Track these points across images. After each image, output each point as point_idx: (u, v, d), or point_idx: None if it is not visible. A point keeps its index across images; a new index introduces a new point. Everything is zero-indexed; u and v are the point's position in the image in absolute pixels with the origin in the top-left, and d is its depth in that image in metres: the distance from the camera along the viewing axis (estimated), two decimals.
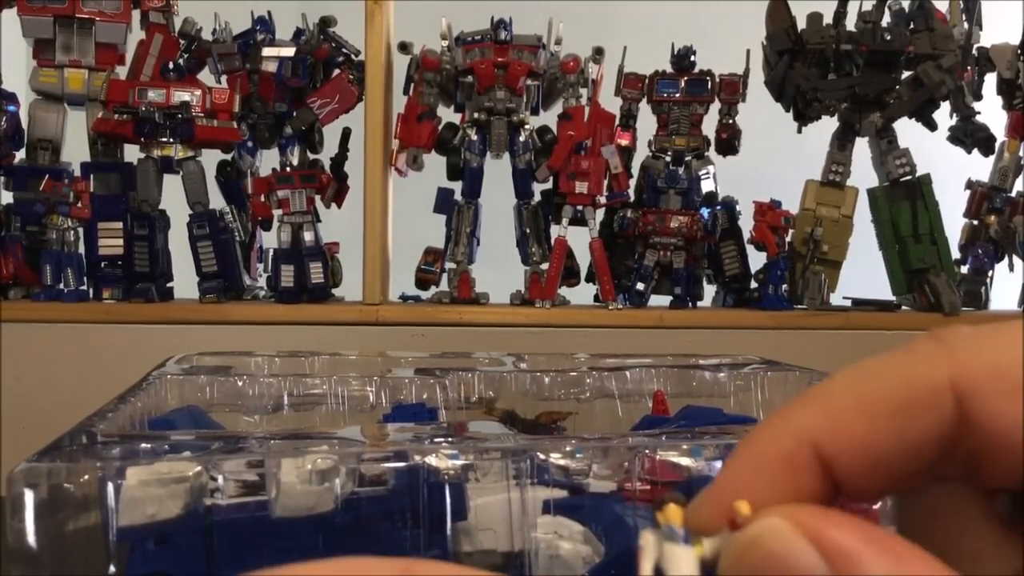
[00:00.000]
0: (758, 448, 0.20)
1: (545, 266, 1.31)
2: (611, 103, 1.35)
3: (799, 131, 1.37)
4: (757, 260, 1.37)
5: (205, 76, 1.33)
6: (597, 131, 1.31)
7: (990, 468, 0.20)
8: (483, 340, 1.22)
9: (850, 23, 1.33)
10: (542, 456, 0.45)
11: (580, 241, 1.32)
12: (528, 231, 1.32)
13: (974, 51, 1.37)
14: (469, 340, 1.22)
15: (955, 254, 1.39)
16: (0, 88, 1.27)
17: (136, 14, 1.30)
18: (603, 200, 1.31)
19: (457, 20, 1.31)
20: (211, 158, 1.34)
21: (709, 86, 1.35)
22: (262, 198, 1.32)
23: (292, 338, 1.21)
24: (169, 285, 1.33)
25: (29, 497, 0.39)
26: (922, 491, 0.21)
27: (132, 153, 1.31)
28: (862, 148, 1.37)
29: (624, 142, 1.35)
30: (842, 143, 1.36)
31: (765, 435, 0.21)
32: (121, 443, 0.46)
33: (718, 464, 0.46)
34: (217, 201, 1.34)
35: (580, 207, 1.30)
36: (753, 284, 1.37)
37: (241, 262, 1.35)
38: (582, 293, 1.36)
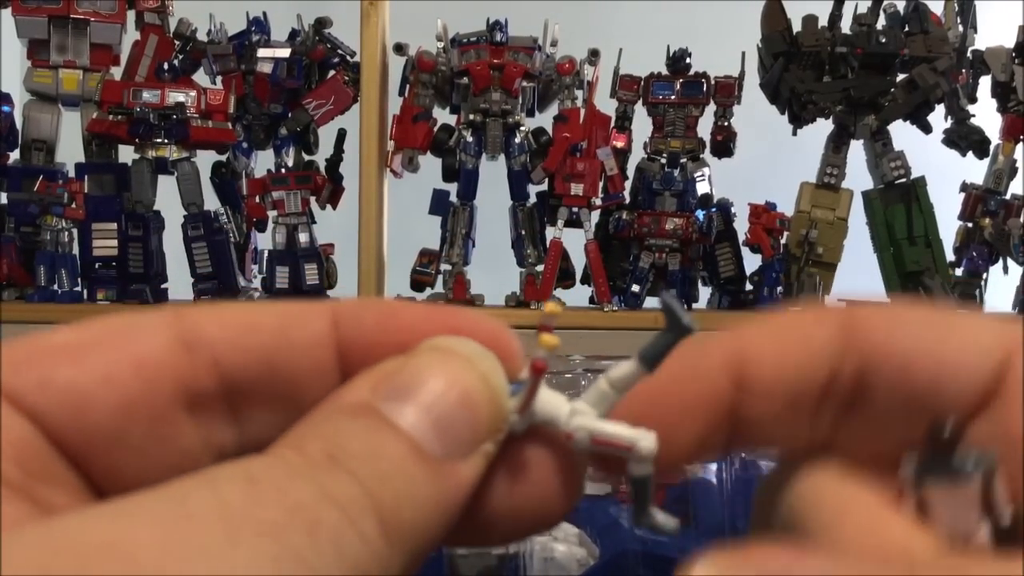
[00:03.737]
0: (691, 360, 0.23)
1: (540, 268, 1.31)
2: (607, 105, 1.35)
3: (794, 133, 1.37)
4: (752, 262, 1.37)
5: (200, 77, 1.33)
6: (593, 133, 1.31)
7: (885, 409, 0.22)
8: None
9: (845, 26, 1.33)
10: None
11: (575, 243, 1.32)
12: (523, 233, 1.32)
13: (969, 54, 1.37)
14: None
15: (950, 256, 1.39)
16: None
17: (131, 15, 1.30)
18: (598, 202, 1.31)
19: (453, 22, 1.31)
20: (206, 159, 1.34)
21: (704, 88, 1.35)
22: (257, 199, 1.31)
23: None
24: (164, 286, 1.33)
25: None
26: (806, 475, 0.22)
27: (127, 154, 1.30)
28: (857, 150, 1.37)
29: (619, 144, 1.35)
30: (837, 145, 1.36)
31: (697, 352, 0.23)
32: None
33: (713, 466, 0.46)
34: (212, 202, 1.34)
35: (575, 209, 1.30)
36: (748, 286, 1.37)
37: (236, 263, 1.34)
38: (577, 295, 1.36)
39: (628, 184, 1.36)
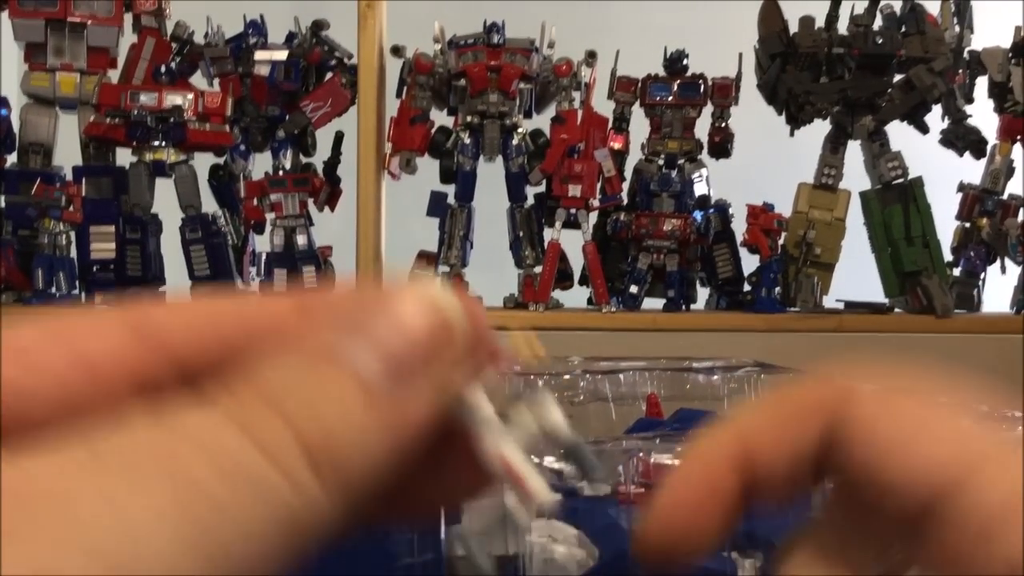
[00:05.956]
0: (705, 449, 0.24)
1: (538, 269, 1.31)
2: (604, 106, 1.35)
3: (791, 134, 1.37)
4: (750, 263, 1.37)
5: (197, 80, 1.33)
6: (590, 134, 1.31)
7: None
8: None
9: (842, 27, 1.33)
10: (536, 459, 0.45)
11: (573, 244, 1.32)
12: (521, 234, 1.32)
13: (966, 54, 1.37)
14: None
15: (947, 257, 1.39)
16: None
17: (128, 17, 1.30)
18: (596, 203, 1.31)
19: (450, 23, 1.31)
20: (203, 162, 1.34)
21: (702, 89, 1.35)
22: (255, 202, 1.31)
23: None
24: (161, 289, 1.33)
25: None
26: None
27: (124, 157, 1.30)
28: (854, 151, 1.37)
29: (617, 145, 1.35)
30: (834, 146, 1.36)
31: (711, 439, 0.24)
32: None
33: None
34: (209, 205, 1.34)
35: (573, 210, 1.30)
36: (746, 287, 1.37)
37: (234, 266, 1.34)
38: (575, 296, 1.36)
39: (626, 185, 1.36)
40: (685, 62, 1.35)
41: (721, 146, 1.36)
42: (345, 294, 0.20)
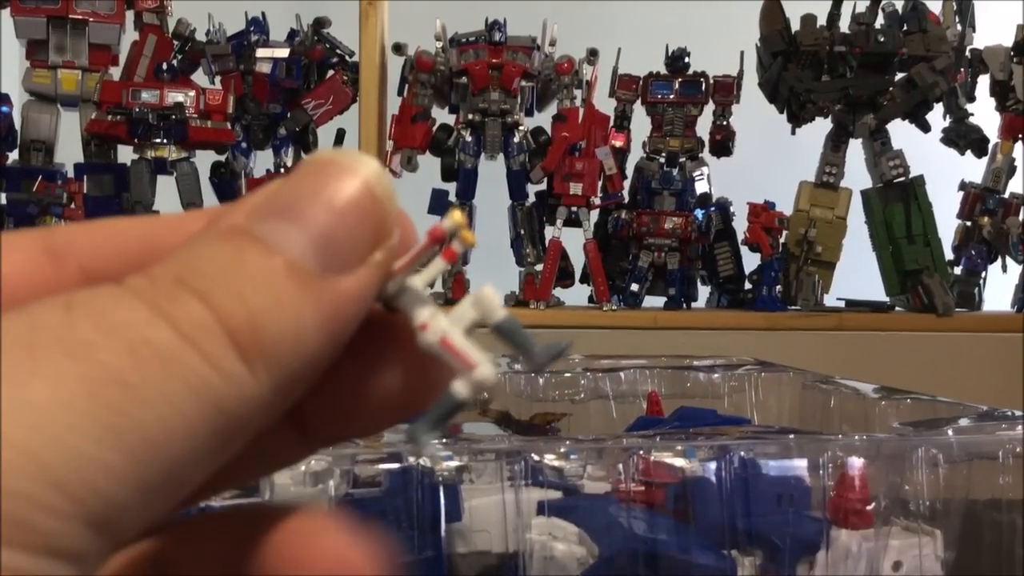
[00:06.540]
0: None
1: (539, 267, 1.31)
2: (605, 104, 1.35)
3: (793, 132, 1.37)
4: (751, 261, 1.37)
5: (199, 77, 1.33)
6: (591, 132, 1.31)
7: None
8: (477, 341, 1.22)
9: (844, 25, 1.33)
10: (536, 457, 0.45)
11: (574, 242, 1.32)
12: (522, 232, 1.32)
13: (967, 53, 1.37)
14: None
15: (948, 255, 1.39)
16: None
17: (130, 15, 1.30)
18: (597, 201, 1.31)
19: (452, 21, 1.31)
20: (205, 159, 1.34)
21: (703, 87, 1.35)
22: None
23: None
24: None
25: None
26: None
27: (125, 154, 1.31)
28: (856, 149, 1.37)
29: (618, 143, 1.35)
30: (836, 144, 1.36)
31: None
32: None
33: (712, 465, 0.46)
34: (211, 202, 1.34)
35: (574, 208, 1.30)
36: (747, 285, 1.37)
37: None
38: (576, 294, 1.36)
39: (627, 183, 1.36)
40: (687, 60, 1.35)
41: (722, 144, 1.36)
42: (268, 185, 0.19)
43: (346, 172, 0.18)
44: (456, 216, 0.20)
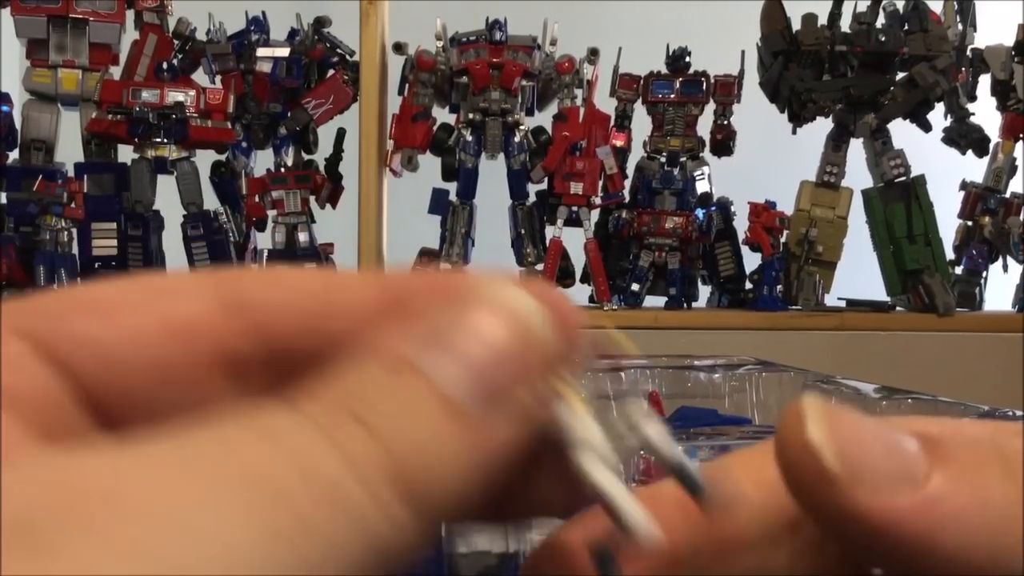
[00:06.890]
0: None
1: (540, 267, 1.31)
2: (606, 104, 1.35)
3: (794, 132, 1.37)
4: (752, 261, 1.37)
5: (199, 76, 1.33)
6: (592, 132, 1.31)
7: None
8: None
9: (845, 24, 1.33)
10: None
11: (575, 242, 1.32)
12: (523, 232, 1.32)
13: (968, 52, 1.37)
14: None
15: (949, 255, 1.39)
16: None
17: (130, 14, 1.30)
18: (598, 201, 1.31)
19: (452, 21, 1.31)
20: (205, 159, 1.34)
21: (704, 87, 1.35)
22: (256, 199, 1.31)
23: None
24: None
25: None
26: None
27: (126, 154, 1.30)
28: (857, 149, 1.37)
29: (619, 143, 1.35)
30: (837, 144, 1.36)
31: None
32: None
33: None
34: (211, 202, 1.34)
35: (575, 208, 1.30)
36: (748, 285, 1.37)
37: (236, 263, 1.34)
38: (577, 294, 1.36)
39: (628, 183, 1.36)
40: (687, 60, 1.35)
41: (723, 144, 1.36)
42: (426, 287, 0.18)
43: (511, 311, 0.18)
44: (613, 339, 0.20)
